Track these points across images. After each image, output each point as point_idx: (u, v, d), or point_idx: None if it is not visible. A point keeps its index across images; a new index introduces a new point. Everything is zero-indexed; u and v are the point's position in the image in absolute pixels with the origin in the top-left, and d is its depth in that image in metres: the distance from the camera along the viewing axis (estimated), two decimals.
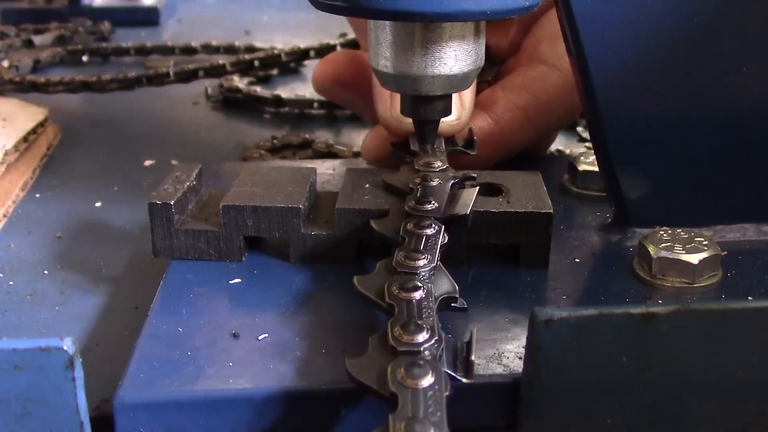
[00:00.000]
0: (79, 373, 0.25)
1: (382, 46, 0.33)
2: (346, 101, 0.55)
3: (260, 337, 0.31)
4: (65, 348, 0.25)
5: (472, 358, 0.26)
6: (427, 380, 0.24)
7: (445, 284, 0.31)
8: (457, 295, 0.31)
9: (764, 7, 0.36)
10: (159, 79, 0.69)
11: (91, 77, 0.68)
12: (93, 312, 0.37)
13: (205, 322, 0.32)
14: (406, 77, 0.33)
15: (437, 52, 0.32)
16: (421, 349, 0.26)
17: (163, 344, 0.31)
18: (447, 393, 0.24)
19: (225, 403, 0.28)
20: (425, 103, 0.34)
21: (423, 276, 0.30)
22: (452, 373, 0.26)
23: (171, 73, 0.69)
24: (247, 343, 0.31)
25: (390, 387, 0.24)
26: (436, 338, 0.26)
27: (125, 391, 0.28)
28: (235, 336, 0.31)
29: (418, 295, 0.29)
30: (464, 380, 0.26)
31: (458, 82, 0.33)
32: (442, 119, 0.37)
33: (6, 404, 0.25)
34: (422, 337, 0.26)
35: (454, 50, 0.32)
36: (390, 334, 0.27)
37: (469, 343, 0.27)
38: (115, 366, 0.30)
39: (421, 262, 0.31)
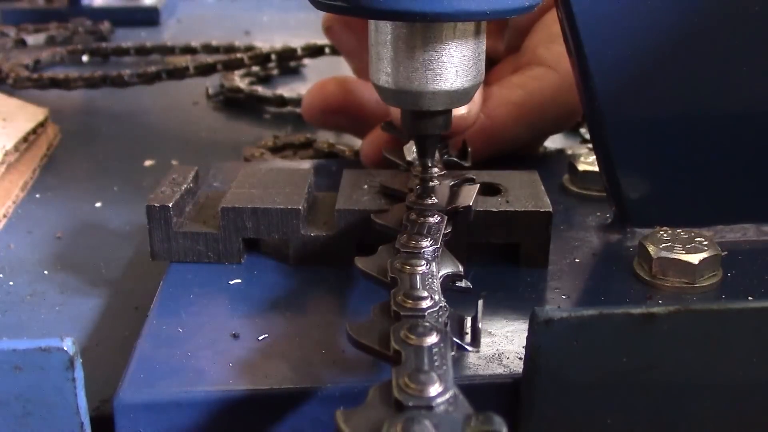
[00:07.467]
0: (79, 374, 0.25)
1: (383, 62, 0.33)
2: (338, 127, 0.56)
3: (260, 338, 0.31)
4: (65, 348, 0.25)
5: (479, 325, 0.26)
6: (432, 339, 0.24)
7: (449, 265, 0.31)
8: (462, 274, 0.31)
9: (764, 7, 0.36)
10: (179, 73, 0.70)
11: (111, 72, 0.69)
12: (93, 312, 0.37)
13: (205, 323, 0.32)
14: (407, 93, 0.33)
15: (438, 67, 0.32)
16: (425, 313, 0.25)
17: (163, 345, 0.31)
18: (453, 353, 0.23)
19: (225, 404, 0.28)
20: (426, 118, 0.34)
21: (426, 255, 0.30)
22: (459, 342, 0.26)
23: (191, 67, 0.71)
24: (246, 344, 0.31)
25: (393, 345, 0.24)
26: (441, 305, 0.26)
27: (125, 391, 0.28)
28: (235, 336, 0.31)
29: (421, 269, 0.29)
30: (471, 349, 0.26)
31: (459, 97, 0.33)
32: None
33: (6, 405, 0.25)
34: (426, 303, 0.26)
35: (455, 66, 0.32)
36: (392, 302, 0.26)
37: (475, 314, 0.27)
38: (115, 366, 0.30)
39: (425, 243, 0.31)
